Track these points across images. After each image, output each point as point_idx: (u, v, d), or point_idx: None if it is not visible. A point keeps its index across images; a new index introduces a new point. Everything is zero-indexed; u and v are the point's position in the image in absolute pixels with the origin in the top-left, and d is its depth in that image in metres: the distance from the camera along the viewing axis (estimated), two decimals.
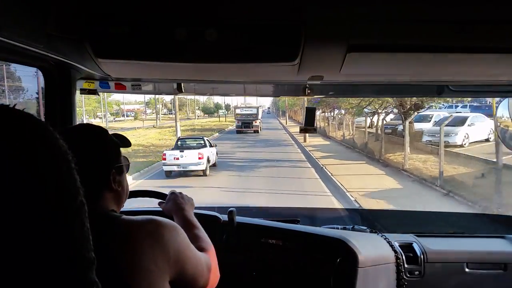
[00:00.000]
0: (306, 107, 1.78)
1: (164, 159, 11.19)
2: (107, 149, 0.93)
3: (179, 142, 12.49)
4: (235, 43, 1.01)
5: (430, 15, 0.93)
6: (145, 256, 0.80)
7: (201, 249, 1.00)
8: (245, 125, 26.84)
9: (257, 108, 28.62)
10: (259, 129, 27.20)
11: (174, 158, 11.02)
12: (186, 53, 1.03)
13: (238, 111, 28.76)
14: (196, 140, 12.62)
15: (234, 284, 1.54)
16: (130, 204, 1.25)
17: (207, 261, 0.98)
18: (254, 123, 26.87)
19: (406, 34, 1.00)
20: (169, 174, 11.44)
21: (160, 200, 1.33)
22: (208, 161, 11.58)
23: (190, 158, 11.02)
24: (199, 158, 11.08)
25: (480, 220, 3.00)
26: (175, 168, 11.18)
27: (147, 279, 0.79)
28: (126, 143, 1.00)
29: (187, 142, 12.45)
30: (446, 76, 1.42)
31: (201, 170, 11.24)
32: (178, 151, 11.29)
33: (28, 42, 0.95)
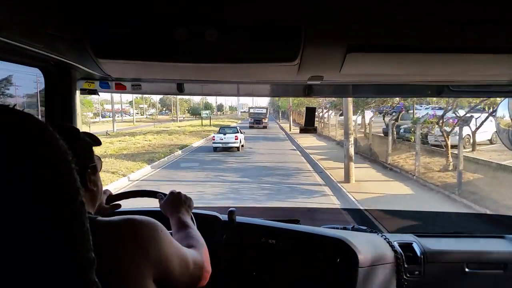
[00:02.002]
0: (306, 107, 1.79)
1: (214, 139, 18.06)
2: (81, 148, 0.90)
3: (221, 130, 19.18)
4: (235, 43, 1.01)
5: (430, 15, 0.93)
6: (124, 258, 0.77)
7: (189, 246, 0.99)
8: (257, 121, 32.87)
9: (267, 108, 35.84)
10: (267, 125, 33.53)
11: (220, 139, 17.69)
12: (186, 53, 1.03)
13: (251, 110, 35.95)
14: (231, 129, 19.42)
15: (234, 284, 1.55)
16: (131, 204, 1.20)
17: (194, 257, 0.96)
18: (263, 120, 33.18)
19: (406, 34, 1.00)
20: (216, 149, 17.64)
21: (161, 196, 1.31)
22: (240, 141, 18.02)
23: (229, 139, 17.62)
24: (235, 139, 17.65)
25: (480, 220, 3.00)
26: (220, 145, 17.63)
27: (129, 280, 0.77)
28: (97, 141, 0.98)
29: (226, 130, 18.96)
30: (446, 76, 1.41)
31: (236, 147, 17.72)
32: (222, 134, 18.00)
33: (28, 42, 0.95)
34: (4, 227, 0.43)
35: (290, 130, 28.36)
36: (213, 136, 18.48)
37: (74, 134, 0.91)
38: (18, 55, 1.09)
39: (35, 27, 0.92)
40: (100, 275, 0.75)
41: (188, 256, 0.94)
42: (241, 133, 18.80)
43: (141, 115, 62.00)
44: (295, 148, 18.53)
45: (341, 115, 17.16)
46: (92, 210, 0.92)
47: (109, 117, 51.51)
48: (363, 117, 16.48)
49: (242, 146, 18.33)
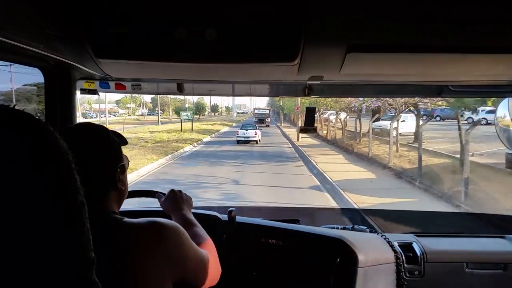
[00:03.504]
0: (306, 107, 1.80)
1: (238, 133, 21.89)
2: (112, 148, 0.92)
3: (243, 127, 23.19)
4: (235, 43, 1.01)
5: (430, 15, 0.93)
6: (148, 260, 0.79)
7: (200, 245, 1.00)
8: (260, 120, 37.50)
9: (269, 109, 43.24)
10: (269, 124, 39.36)
11: (243, 133, 21.59)
12: (186, 53, 1.03)
13: (256, 111, 42.56)
14: (251, 126, 23.36)
15: (234, 284, 1.54)
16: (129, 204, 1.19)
17: (208, 257, 0.98)
18: (266, 120, 39.21)
19: (406, 34, 1.00)
20: (238, 142, 21.27)
21: (160, 196, 1.31)
22: (258, 136, 21.79)
23: (250, 133, 21.55)
24: (255, 134, 21.47)
25: (480, 220, 3.00)
26: (242, 138, 21.44)
27: (150, 282, 0.79)
28: (124, 140, 0.98)
29: (247, 127, 22.77)
30: (446, 76, 1.42)
31: (255, 140, 21.48)
32: (244, 130, 21.95)
33: (28, 42, 0.96)
34: (3, 227, 0.43)
35: (298, 140, 20.92)
36: (237, 131, 22.64)
37: (105, 133, 0.92)
38: (18, 55, 1.09)
39: (35, 27, 0.92)
40: (123, 274, 0.76)
41: (204, 258, 0.96)
42: (259, 129, 22.81)
43: (128, 115, 59.48)
44: (318, 183, 9.80)
45: (375, 120, 12.78)
46: (117, 209, 0.92)
47: (91, 117, 49.31)
48: (418, 121, 9.80)
49: (259, 140, 22.27)
